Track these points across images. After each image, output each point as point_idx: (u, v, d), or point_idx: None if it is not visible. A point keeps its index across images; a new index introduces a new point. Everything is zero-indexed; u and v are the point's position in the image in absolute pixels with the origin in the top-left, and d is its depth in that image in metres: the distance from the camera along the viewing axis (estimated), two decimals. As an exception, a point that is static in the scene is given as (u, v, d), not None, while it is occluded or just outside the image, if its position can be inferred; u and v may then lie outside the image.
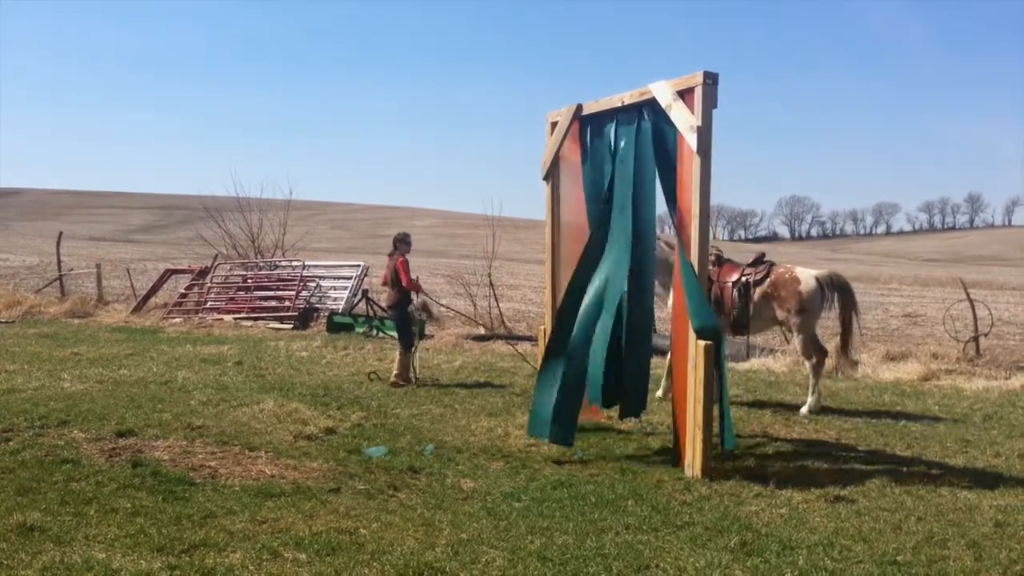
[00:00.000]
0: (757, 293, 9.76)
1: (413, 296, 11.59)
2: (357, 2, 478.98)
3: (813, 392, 9.58)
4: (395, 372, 10.92)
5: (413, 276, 11.27)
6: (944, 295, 22.09)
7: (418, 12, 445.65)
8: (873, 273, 54.73)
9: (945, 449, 7.88)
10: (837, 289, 9.80)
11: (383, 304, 12.13)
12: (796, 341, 9.96)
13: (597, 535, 5.30)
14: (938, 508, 6.00)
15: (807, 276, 9.61)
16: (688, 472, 6.74)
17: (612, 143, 8.01)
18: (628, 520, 5.60)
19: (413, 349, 11.12)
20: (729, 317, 9.85)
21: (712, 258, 9.46)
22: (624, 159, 7.80)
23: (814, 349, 9.70)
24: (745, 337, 11.02)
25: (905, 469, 7.06)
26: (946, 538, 5.35)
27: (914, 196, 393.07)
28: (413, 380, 10.94)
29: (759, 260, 9.99)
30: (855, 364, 11.79)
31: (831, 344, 10.67)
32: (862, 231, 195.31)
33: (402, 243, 11.43)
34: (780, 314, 9.64)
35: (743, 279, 9.85)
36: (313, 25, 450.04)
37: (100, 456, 6.79)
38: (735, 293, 9.81)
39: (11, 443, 7.14)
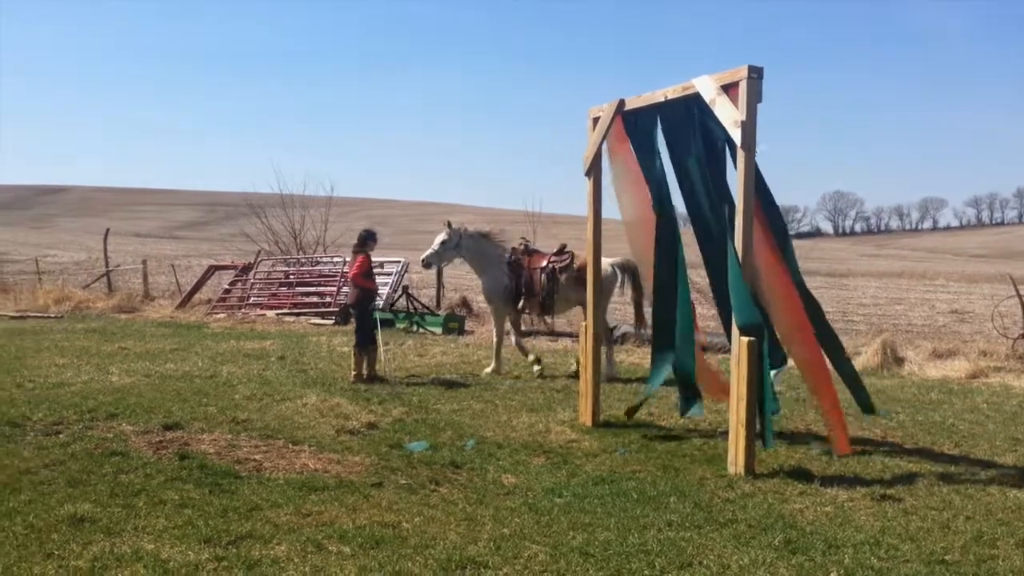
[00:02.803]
0: (564, 278, 11.20)
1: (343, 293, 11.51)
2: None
3: (609, 362, 10.83)
4: (353, 371, 10.68)
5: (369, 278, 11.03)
6: (992, 291, 21.64)
7: (463, 10, 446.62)
8: (919, 269, 53.79)
9: (994, 448, 7.73)
10: (629, 273, 11.33)
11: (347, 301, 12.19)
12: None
13: (639, 531, 5.27)
14: (987, 507, 5.88)
15: (605, 263, 10.37)
16: (731, 469, 6.67)
17: (655, 138, 7.93)
18: (670, 517, 5.57)
19: (372, 347, 10.84)
20: (538, 298, 11.30)
21: (521, 247, 11.68)
22: (668, 154, 7.74)
23: (603, 326, 10.46)
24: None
25: (953, 467, 6.94)
26: (995, 537, 5.25)
27: (961, 191, 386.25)
28: (367, 376, 10.68)
29: (562, 250, 11.51)
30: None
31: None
32: (908, 227, 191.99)
33: (369, 239, 11.05)
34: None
35: (550, 266, 11.29)
36: (360, 21, 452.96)
37: (148, 449, 6.92)
38: (543, 278, 11.24)
39: (61, 436, 7.32)
